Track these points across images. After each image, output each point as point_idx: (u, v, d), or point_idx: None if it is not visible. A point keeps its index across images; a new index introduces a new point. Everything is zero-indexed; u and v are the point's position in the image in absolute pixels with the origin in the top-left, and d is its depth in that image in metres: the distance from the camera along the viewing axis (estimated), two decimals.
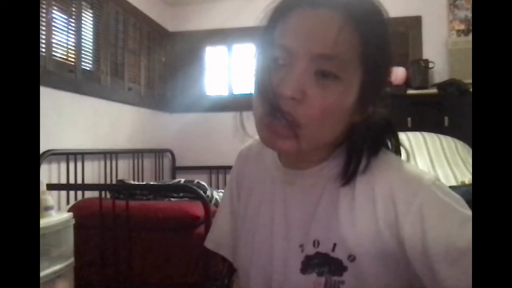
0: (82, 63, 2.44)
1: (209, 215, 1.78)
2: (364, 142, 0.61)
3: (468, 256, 0.49)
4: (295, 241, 0.64)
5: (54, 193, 2.05)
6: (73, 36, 2.36)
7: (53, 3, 2.17)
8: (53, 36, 2.17)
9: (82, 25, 2.45)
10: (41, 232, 1.46)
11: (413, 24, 3.28)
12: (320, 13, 0.55)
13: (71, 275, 1.65)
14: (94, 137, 2.57)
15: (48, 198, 1.60)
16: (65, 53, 2.29)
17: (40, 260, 1.42)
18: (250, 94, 0.62)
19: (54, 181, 2.17)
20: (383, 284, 0.57)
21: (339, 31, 0.54)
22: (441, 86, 2.91)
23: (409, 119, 2.79)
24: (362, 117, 0.60)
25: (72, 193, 2.24)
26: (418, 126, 2.49)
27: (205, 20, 3.58)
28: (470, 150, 2.10)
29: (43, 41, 2.09)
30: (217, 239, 0.81)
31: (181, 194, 2.30)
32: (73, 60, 2.35)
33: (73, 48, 2.36)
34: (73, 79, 2.35)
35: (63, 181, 2.24)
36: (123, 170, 2.90)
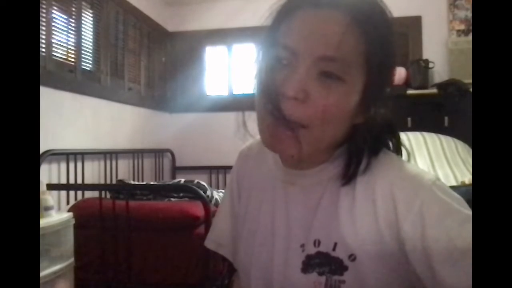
0: (82, 63, 2.44)
1: (209, 215, 1.78)
2: (365, 142, 0.61)
3: (468, 256, 0.49)
4: (296, 241, 0.64)
5: (54, 193, 2.05)
6: (73, 36, 2.36)
7: (53, 3, 2.17)
8: (53, 36, 2.17)
9: (82, 25, 2.45)
10: (41, 232, 1.46)
11: (413, 24, 3.28)
12: (324, 14, 0.55)
13: (71, 275, 1.65)
14: (94, 137, 2.57)
15: (48, 198, 1.60)
16: (65, 53, 2.29)
17: (40, 260, 1.42)
18: (251, 94, 0.62)
19: (54, 181, 2.17)
20: (383, 284, 0.58)
21: (343, 33, 0.54)
22: (441, 86, 2.91)
23: (409, 119, 2.79)
24: (364, 118, 0.60)
25: (72, 193, 2.24)
26: (418, 126, 2.48)
27: (205, 20, 3.58)
28: (470, 150, 2.10)
29: (43, 41, 2.09)
30: (217, 239, 0.81)
31: (181, 194, 2.30)
32: (73, 60, 2.35)
33: (73, 48, 2.36)
34: (73, 79, 2.35)
35: (63, 181, 2.24)
36: (123, 170, 2.90)
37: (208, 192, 2.31)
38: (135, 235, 1.89)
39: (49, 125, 2.11)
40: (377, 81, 0.58)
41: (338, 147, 0.63)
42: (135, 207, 1.94)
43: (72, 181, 2.28)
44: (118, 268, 1.87)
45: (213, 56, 3.71)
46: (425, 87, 2.98)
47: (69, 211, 1.82)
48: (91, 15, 2.56)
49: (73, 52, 2.36)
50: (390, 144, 0.66)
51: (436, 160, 2.03)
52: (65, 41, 2.29)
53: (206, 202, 1.84)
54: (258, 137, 0.63)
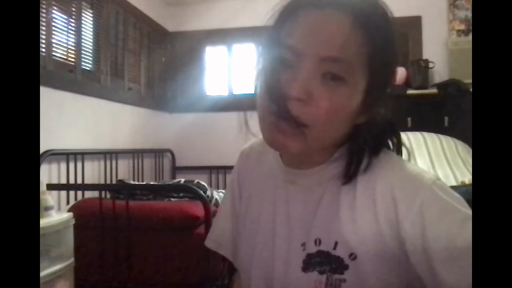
0: (82, 63, 2.44)
1: (209, 215, 1.78)
2: (366, 142, 0.61)
3: (468, 256, 0.49)
4: (297, 240, 0.64)
5: (54, 193, 2.05)
6: (73, 36, 2.36)
7: (53, 3, 2.17)
8: (53, 36, 2.17)
9: (82, 25, 2.45)
10: (41, 232, 1.46)
11: (413, 24, 3.28)
12: (327, 15, 0.55)
13: (71, 275, 1.65)
14: (94, 137, 2.57)
15: (48, 198, 1.60)
16: (65, 53, 2.29)
17: (40, 260, 1.42)
18: (251, 94, 0.62)
19: (54, 181, 2.17)
20: (383, 283, 0.58)
21: (346, 34, 0.54)
22: (441, 86, 2.91)
23: (409, 119, 2.79)
24: (365, 119, 0.60)
25: (72, 193, 2.24)
26: (418, 126, 2.48)
27: (205, 20, 3.58)
28: (470, 150, 2.10)
29: (43, 41, 2.09)
30: (217, 238, 0.81)
31: (181, 194, 2.30)
32: (73, 60, 2.35)
33: (73, 48, 2.36)
34: (73, 79, 2.35)
35: (63, 181, 2.24)
36: (123, 170, 2.90)
37: (208, 192, 2.31)
38: (135, 235, 1.89)
39: (49, 125, 2.11)
40: (379, 81, 0.58)
41: (339, 146, 0.63)
42: (135, 207, 1.94)
43: (72, 181, 2.28)
44: (118, 268, 1.87)
45: (213, 56, 3.71)
46: (425, 87, 2.98)
47: (69, 211, 1.82)
48: (91, 15, 2.56)
49: (73, 52, 2.36)
50: (391, 144, 0.67)
51: (436, 160, 2.03)
52: (65, 41, 2.29)
53: (206, 202, 1.84)
54: (260, 136, 0.63)
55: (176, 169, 3.61)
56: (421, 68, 3.01)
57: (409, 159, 0.66)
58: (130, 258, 1.87)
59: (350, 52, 0.55)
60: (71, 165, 2.28)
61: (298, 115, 0.55)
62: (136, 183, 2.82)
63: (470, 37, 3.11)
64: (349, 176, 0.61)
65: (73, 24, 2.36)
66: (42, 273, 1.46)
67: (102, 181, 2.61)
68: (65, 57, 2.29)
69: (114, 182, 2.68)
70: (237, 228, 0.76)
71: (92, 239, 1.87)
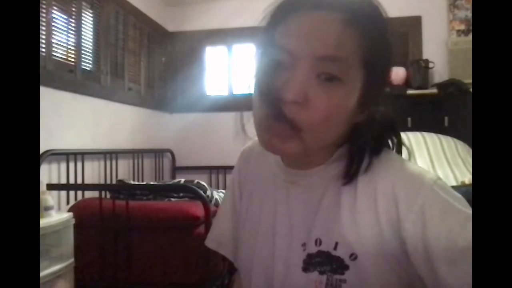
0: (82, 63, 2.44)
1: (209, 215, 1.78)
2: (366, 142, 0.61)
3: (469, 256, 0.49)
4: (297, 240, 0.64)
5: (54, 193, 2.05)
6: (73, 36, 2.36)
7: (53, 3, 2.17)
8: (53, 36, 2.17)
9: (82, 25, 2.45)
10: (41, 232, 1.46)
11: (413, 24, 3.28)
12: (321, 16, 0.55)
13: (71, 275, 1.65)
14: (94, 137, 2.57)
15: (48, 198, 1.60)
16: (65, 53, 2.29)
17: (40, 260, 1.42)
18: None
19: (54, 181, 2.17)
20: (384, 283, 0.58)
21: (341, 33, 0.54)
22: (441, 86, 2.91)
23: (409, 119, 2.79)
24: (363, 118, 0.60)
25: (72, 193, 2.24)
26: (418, 126, 2.48)
27: (205, 20, 3.58)
28: (470, 150, 2.10)
29: (43, 41, 2.09)
30: (218, 238, 0.81)
31: (181, 194, 2.30)
32: (73, 60, 2.35)
33: (73, 48, 2.36)
34: (73, 79, 2.35)
35: (63, 181, 2.24)
36: (123, 170, 2.90)
37: (208, 192, 2.31)
38: (135, 235, 1.89)
39: (49, 125, 2.11)
40: (375, 81, 0.58)
41: (339, 146, 0.63)
42: (135, 207, 1.94)
43: (72, 181, 2.28)
44: (118, 268, 1.87)
45: (213, 56, 3.71)
46: (425, 87, 2.98)
47: (69, 211, 1.82)
48: (91, 15, 2.56)
49: (73, 52, 2.36)
50: (391, 143, 0.66)
51: (436, 160, 2.03)
52: (65, 41, 2.29)
53: (206, 202, 1.84)
54: (256, 138, 0.63)
55: (176, 169, 3.61)
56: (421, 68, 3.01)
57: (409, 159, 0.66)
58: (130, 258, 1.87)
59: (344, 51, 0.55)
60: (71, 165, 2.28)
61: (294, 118, 0.55)
62: (136, 183, 2.82)
63: (470, 37, 3.12)
64: (349, 176, 0.61)
65: (73, 24, 2.36)
66: (42, 273, 1.46)
67: (102, 181, 2.61)
68: (65, 57, 2.29)
69: (114, 182, 2.68)
70: (237, 228, 0.76)
71: (92, 239, 1.87)
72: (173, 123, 3.63)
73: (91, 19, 2.57)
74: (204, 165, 3.53)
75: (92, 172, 2.53)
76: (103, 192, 2.01)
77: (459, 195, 0.58)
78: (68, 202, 2.20)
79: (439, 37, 3.23)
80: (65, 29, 2.29)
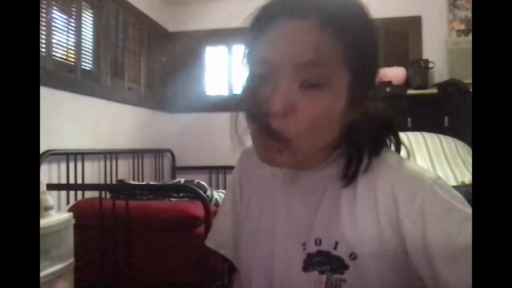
0: (82, 63, 2.44)
1: (209, 215, 1.78)
2: (364, 141, 0.61)
3: (469, 255, 0.49)
4: (297, 240, 0.64)
5: (54, 193, 2.05)
6: (73, 36, 2.36)
7: (53, 3, 2.17)
8: (53, 36, 2.17)
9: (82, 25, 2.45)
10: (41, 232, 1.46)
11: (413, 24, 3.28)
12: (297, 23, 0.55)
13: (71, 275, 1.65)
14: (94, 137, 2.57)
15: (48, 198, 1.60)
16: (65, 53, 2.29)
17: (40, 260, 1.42)
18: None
19: (54, 181, 2.17)
20: (384, 282, 0.58)
21: (318, 39, 0.54)
22: (441, 86, 2.91)
23: (409, 119, 2.79)
24: (356, 117, 0.59)
25: (72, 193, 2.24)
26: (418, 126, 2.48)
27: (205, 20, 3.58)
28: (470, 150, 2.10)
29: (43, 41, 2.09)
30: (218, 238, 0.81)
31: (181, 194, 2.30)
32: (73, 60, 2.35)
33: (73, 48, 2.36)
34: (73, 79, 2.35)
35: (63, 181, 2.24)
36: (123, 170, 2.90)
37: (208, 192, 2.31)
38: (135, 235, 1.89)
39: (49, 125, 2.11)
40: (361, 81, 0.57)
41: (336, 147, 0.63)
42: (135, 207, 1.94)
43: (72, 181, 2.28)
44: (118, 268, 1.87)
45: (213, 56, 3.71)
46: (425, 87, 2.98)
47: (69, 211, 1.81)
48: (91, 15, 2.56)
49: (73, 52, 2.36)
50: (389, 142, 0.66)
51: (436, 160, 2.03)
52: (65, 41, 2.29)
53: (206, 202, 1.84)
54: (249, 141, 0.63)
55: (176, 169, 3.61)
56: (421, 68, 3.01)
57: (408, 157, 0.66)
58: (130, 258, 1.87)
59: (323, 56, 0.54)
60: (71, 165, 2.28)
61: (282, 131, 0.55)
62: (136, 183, 2.82)
63: (470, 37, 3.12)
64: (349, 177, 0.61)
65: (73, 24, 2.36)
66: (42, 273, 1.46)
67: (102, 181, 2.61)
68: (65, 57, 2.29)
69: (114, 182, 2.68)
70: (237, 228, 0.76)
71: (92, 239, 1.87)
72: (173, 123, 3.62)
73: (91, 19, 2.57)
74: (204, 165, 3.53)
75: (92, 172, 2.53)
76: (103, 192, 2.01)
77: (458, 194, 0.58)
78: (68, 202, 2.20)
79: (439, 37, 3.23)
80: (65, 29, 2.29)
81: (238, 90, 0.62)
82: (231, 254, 0.79)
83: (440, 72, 3.14)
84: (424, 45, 3.27)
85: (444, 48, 3.18)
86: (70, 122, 2.32)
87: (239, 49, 3.61)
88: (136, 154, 3.08)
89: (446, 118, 2.79)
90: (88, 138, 2.50)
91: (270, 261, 0.66)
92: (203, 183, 2.40)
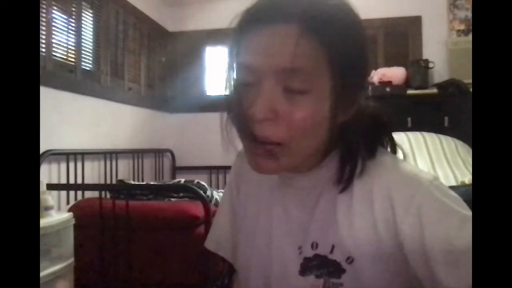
0: (82, 63, 2.44)
1: (209, 215, 1.78)
2: (357, 143, 0.61)
3: (467, 256, 0.49)
4: (294, 243, 0.64)
5: (54, 193, 2.05)
6: (73, 36, 2.36)
7: (53, 3, 2.17)
8: (53, 36, 2.17)
9: (82, 25, 2.45)
10: (41, 232, 1.46)
11: (413, 24, 3.28)
12: (277, 28, 0.54)
13: (71, 275, 1.65)
14: (94, 137, 2.57)
15: (48, 198, 1.60)
16: (65, 53, 2.29)
17: (40, 260, 1.42)
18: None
19: (54, 181, 2.17)
20: (381, 285, 0.57)
21: (297, 44, 0.53)
22: (441, 86, 2.91)
23: (409, 119, 2.79)
24: (346, 118, 0.59)
25: (72, 193, 2.24)
26: (418, 126, 2.48)
27: (205, 20, 3.58)
28: (470, 150, 2.11)
29: (43, 41, 2.09)
30: (217, 239, 0.81)
31: (181, 194, 2.30)
32: (73, 60, 2.35)
33: (73, 48, 2.36)
34: (73, 79, 2.35)
35: (63, 181, 2.24)
36: (123, 170, 2.90)
37: (208, 192, 2.31)
38: (135, 235, 1.89)
39: (49, 125, 2.11)
40: (347, 84, 0.56)
41: (329, 150, 0.62)
42: (135, 207, 1.94)
43: (72, 181, 2.28)
44: (118, 268, 1.87)
45: (213, 56, 3.71)
46: (425, 87, 2.98)
47: (69, 211, 1.81)
48: (91, 15, 2.56)
49: (73, 52, 2.36)
50: (385, 143, 0.66)
51: (436, 160, 2.03)
52: (65, 41, 2.29)
53: (206, 202, 1.84)
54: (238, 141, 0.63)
55: (176, 169, 3.61)
56: (421, 68, 3.01)
57: (405, 158, 0.66)
58: (130, 258, 1.87)
59: (305, 61, 0.53)
60: (71, 165, 2.28)
61: (267, 137, 0.55)
62: (136, 183, 2.82)
63: (470, 37, 3.12)
64: (345, 182, 0.60)
65: (73, 24, 2.36)
66: (42, 273, 1.46)
67: (102, 181, 2.61)
68: (65, 57, 2.29)
69: (114, 182, 2.68)
70: (236, 229, 0.76)
71: (92, 239, 1.87)
72: (173, 123, 3.62)
73: (91, 19, 2.57)
74: (204, 165, 3.53)
75: (92, 172, 2.53)
76: (103, 192, 2.01)
77: (456, 196, 0.57)
78: (68, 202, 2.20)
79: (439, 37, 3.23)
80: (65, 29, 2.29)
81: (223, 92, 0.61)
82: (229, 255, 0.78)
83: (440, 72, 3.14)
84: (424, 45, 3.27)
85: (444, 48, 3.18)
86: (70, 122, 2.32)
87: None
88: (136, 154, 3.08)
89: (446, 118, 2.79)
90: (88, 138, 2.50)
91: (267, 263, 0.66)
92: (203, 183, 2.40)
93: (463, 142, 2.21)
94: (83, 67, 2.45)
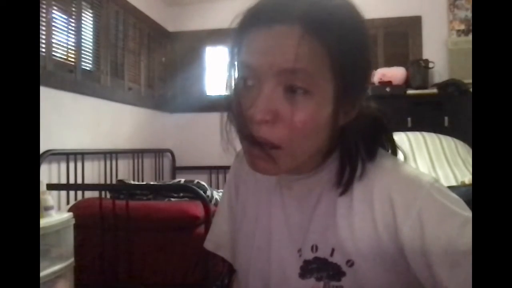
0: (82, 63, 2.44)
1: (209, 215, 1.78)
2: (357, 145, 0.60)
3: (468, 258, 0.49)
4: (293, 246, 0.63)
5: (54, 193, 2.05)
6: (73, 36, 2.36)
7: (53, 3, 2.17)
8: (53, 36, 2.17)
9: (82, 25, 2.45)
10: (41, 232, 1.46)
11: (413, 24, 3.28)
12: (278, 29, 0.54)
13: (71, 275, 1.65)
14: (94, 137, 2.57)
15: (48, 198, 1.60)
16: (65, 53, 2.29)
17: (40, 260, 1.42)
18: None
19: (54, 181, 2.17)
20: None
21: (298, 45, 0.52)
22: (441, 86, 2.91)
23: (409, 119, 2.79)
24: (345, 121, 0.58)
25: (72, 193, 2.24)
26: (418, 126, 2.48)
27: (205, 20, 3.58)
28: (470, 150, 2.10)
29: (43, 41, 2.09)
30: (216, 240, 0.80)
31: (181, 194, 2.30)
32: (73, 60, 2.35)
33: (73, 48, 2.36)
34: (73, 79, 2.35)
35: (63, 181, 2.24)
36: (123, 170, 2.90)
37: (208, 192, 2.31)
38: (135, 235, 1.89)
39: (49, 125, 2.11)
40: (350, 85, 0.56)
41: (329, 152, 0.62)
42: (135, 207, 1.94)
43: (72, 181, 2.28)
44: (118, 268, 1.87)
45: (213, 56, 3.71)
46: (425, 87, 2.98)
47: (69, 211, 1.81)
48: (91, 15, 2.56)
49: (73, 52, 2.36)
50: (386, 145, 0.66)
51: (436, 160, 2.03)
52: (65, 41, 2.29)
53: (206, 202, 1.84)
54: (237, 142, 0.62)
55: (176, 169, 3.61)
56: (421, 68, 3.01)
57: (405, 159, 0.65)
58: (130, 258, 1.87)
59: (307, 62, 0.53)
60: (71, 165, 2.28)
61: (266, 138, 0.54)
62: (136, 183, 2.82)
63: (470, 37, 3.11)
64: (345, 185, 0.60)
65: (73, 24, 2.36)
66: (42, 273, 1.46)
67: (102, 181, 2.61)
68: (65, 57, 2.29)
69: (114, 182, 2.68)
70: (235, 229, 0.76)
71: (92, 239, 1.87)
72: (173, 123, 3.62)
73: (91, 19, 2.57)
74: (204, 165, 3.53)
75: (92, 172, 2.53)
76: (103, 192, 2.01)
77: (456, 197, 0.57)
78: (68, 202, 2.20)
79: (439, 37, 3.23)
80: (65, 29, 2.29)
81: (223, 94, 0.61)
82: (229, 255, 0.78)
83: (440, 72, 3.14)
84: (424, 45, 3.27)
85: (444, 48, 3.18)
86: (70, 122, 2.32)
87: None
88: (136, 154, 3.08)
89: (446, 118, 2.79)
90: (88, 138, 2.50)
91: (266, 265, 0.66)
92: (203, 183, 2.40)
93: (463, 142, 2.21)
94: (83, 67, 2.45)
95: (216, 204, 2.24)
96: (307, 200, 0.64)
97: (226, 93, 0.60)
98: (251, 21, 0.57)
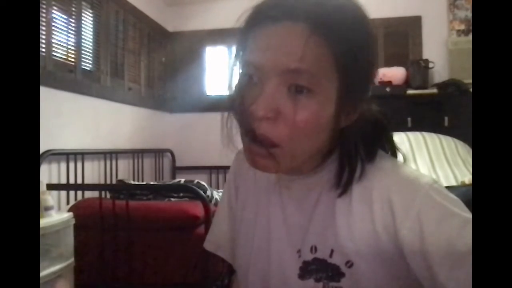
0: (82, 63, 2.44)
1: (209, 215, 1.78)
2: (357, 146, 0.60)
3: (468, 259, 0.48)
4: (293, 246, 0.63)
5: (54, 193, 2.05)
6: (73, 36, 2.36)
7: (53, 3, 2.17)
8: (53, 36, 2.17)
9: (82, 25, 2.45)
10: (41, 232, 1.46)
11: (413, 24, 3.28)
12: (284, 28, 0.54)
13: (71, 275, 1.65)
14: (94, 137, 2.56)
15: (48, 198, 1.60)
16: (65, 53, 2.29)
17: (40, 260, 1.42)
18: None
19: (54, 181, 2.17)
20: None
21: (304, 45, 0.52)
22: (441, 86, 2.91)
23: (409, 119, 2.79)
24: (347, 123, 0.58)
25: (72, 193, 2.24)
26: (418, 126, 2.49)
27: (205, 20, 3.58)
28: (470, 150, 2.11)
29: (43, 41, 2.09)
30: (216, 240, 0.80)
31: (181, 194, 2.30)
32: (73, 60, 2.35)
33: (73, 48, 2.36)
34: (73, 79, 2.35)
35: (63, 181, 2.24)
36: (123, 170, 2.90)
37: (208, 192, 2.31)
38: (135, 235, 1.89)
39: (49, 125, 2.11)
40: (353, 86, 0.56)
41: (329, 153, 0.62)
42: (135, 207, 1.94)
43: (72, 181, 2.28)
44: (118, 268, 1.87)
45: (213, 56, 3.71)
46: (425, 87, 2.98)
47: (69, 211, 1.82)
48: (91, 15, 2.56)
49: (73, 52, 2.36)
50: (386, 146, 0.66)
51: (436, 160, 2.03)
52: (65, 41, 2.29)
53: (206, 202, 1.84)
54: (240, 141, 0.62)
55: (176, 169, 3.61)
56: (421, 68, 3.01)
57: (405, 160, 0.65)
58: (130, 258, 1.87)
59: (312, 61, 0.53)
60: (71, 165, 2.28)
61: (267, 135, 0.54)
62: (136, 183, 2.82)
63: (470, 37, 3.12)
64: (344, 186, 0.60)
65: (73, 24, 2.36)
66: (42, 273, 1.46)
67: (102, 181, 2.61)
68: (65, 57, 2.29)
69: (114, 182, 2.68)
70: (235, 229, 0.76)
71: (92, 239, 1.87)
72: (173, 123, 3.63)
73: (91, 19, 2.57)
74: (204, 165, 3.53)
75: (92, 172, 2.53)
76: (103, 192, 2.01)
77: (456, 198, 0.57)
78: (68, 202, 2.20)
79: (439, 37, 3.23)
80: (65, 29, 2.29)
81: (226, 90, 0.61)
82: (229, 256, 0.78)
83: (440, 72, 3.14)
84: (424, 45, 3.27)
85: (444, 48, 3.18)
86: (70, 122, 2.32)
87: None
88: (136, 154, 3.08)
89: (446, 118, 2.79)
90: (88, 138, 2.50)
91: (266, 266, 0.66)
92: (203, 183, 2.40)
93: (463, 142, 2.21)
94: (83, 67, 2.45)
95: (216, 204, 2.24)
96: (306, 201, 0.64)
97: (230, 90, 0.60)
98: (257, 19, 0.57)
